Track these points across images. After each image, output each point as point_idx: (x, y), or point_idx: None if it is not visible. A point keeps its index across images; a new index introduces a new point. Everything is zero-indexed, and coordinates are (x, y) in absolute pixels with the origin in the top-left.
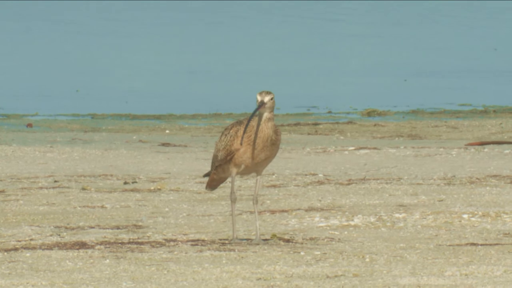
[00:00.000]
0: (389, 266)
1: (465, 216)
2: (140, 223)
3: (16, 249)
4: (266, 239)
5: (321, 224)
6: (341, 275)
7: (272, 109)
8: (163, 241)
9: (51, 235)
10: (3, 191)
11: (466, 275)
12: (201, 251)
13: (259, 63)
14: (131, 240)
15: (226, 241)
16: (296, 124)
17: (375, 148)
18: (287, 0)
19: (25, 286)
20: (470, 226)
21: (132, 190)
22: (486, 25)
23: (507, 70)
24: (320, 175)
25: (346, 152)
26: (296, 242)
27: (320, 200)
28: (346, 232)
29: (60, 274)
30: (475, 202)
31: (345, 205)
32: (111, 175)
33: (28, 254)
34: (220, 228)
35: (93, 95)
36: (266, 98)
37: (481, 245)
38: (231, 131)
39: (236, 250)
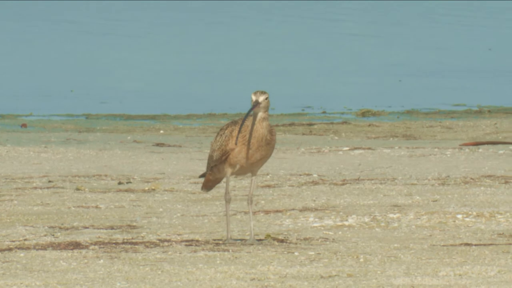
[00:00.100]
0: (383, 266)
1: (459, 216)
2: (134, 223)
3: (10, 249)
4: (260, 240)
5: (315, 224)
6: (335, 275)
7: (266, 108)
8: (157, 241)
9: (45, 235)
10: None
11: (460, 275)
12: (195, 251)
13: (254, 63)
14: (125, 240)
15: (220, 242)
16: (290, 124)
17: (369, 148)
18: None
19: (19, 286)
20: (464, 226)
21: (126, 191)
22: (480, 25)
23: (502, 70)
24: (315, 175)
25: (341, 152)
26: (290, 242)
27: (315, 200)
28: (340, 232)
29: (54, 274)
30: (470, 202)
31: (340, 205)
32: (106, 175)
33: (22, 254)
34: (214, 229)
35: (88, 95)
36: (261, 98)
37: (475, 245)
38: (226, 131)
39: (230, 250)
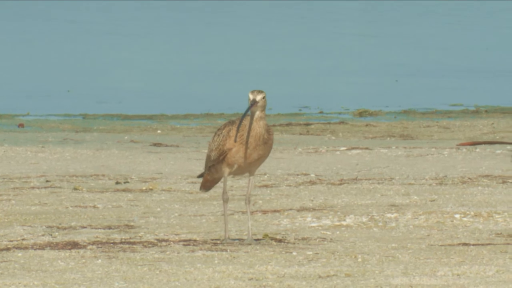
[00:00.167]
0: (381, 266)
1: (457, 216)
2: (132, 223)
3: (8, 249)
4: (258, 239)
5: (313, 224)
6: (333, 275)
7: (264, 108)
8: (155, 241)
9: (43, 235)
10: None
11: (458, 275)
12: (193, 251)
13: (251, 63)
14: (123, 240)
15: (218, 241)
16: (287, 124)
17: (366, 148)
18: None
19: (17, 286)
20: (462, 226)
21: (124, 190)
22: (478, 25)
23: (499, 70)
24: (312, 175)
25: (338, 152)
26: (288, 242)
27: (312, 200)
28: (338, 232)
29: (52, 274)
30: (467, 202)
31: (337, 205)
32: (103, 175)
33: (20, 254)
34: (212, 228)
35: (85, 95)
36: (258, 97)
37: (473, 245)
38: (223, 131)
39: (228, 250)
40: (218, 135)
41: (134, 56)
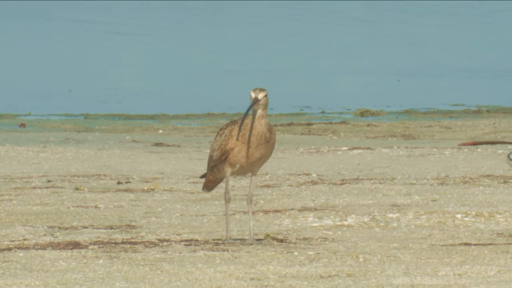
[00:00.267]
0: (383, 266)
1: (459, 216)
2: (133, 223)
3: (9, 249)
4: (259, 239)
5: (314, 224)
6: (335, 275)
7: (265, 106)
8: (157, 241)
9: (44, 235)
10: None
11: (459, 275)
12: (194, 251)
13: (252, 63)
14: (124, 240)
15: (220, 241)
16: (289, 124)
17: (368, 148)
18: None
19: (19, 286)
20: (463, 226)
21: (125, 190)
22: (480, 25)
23: (500, 70)
24: (314, 175)
25: (340, 152)
26: (289, 242)
27: (314, 200)
28: (339, 232)
29: (53, 274)
30: (469, 202)
31: (339, 205)
32: (105, 175)
33: (21, 254)
34: (214, 228)
35: (87, 95)
36: (260, 95)
37: (475, 245)
38: (225, 131)
39: (230, 250)
40: (220, 135)
41: (134, 56)
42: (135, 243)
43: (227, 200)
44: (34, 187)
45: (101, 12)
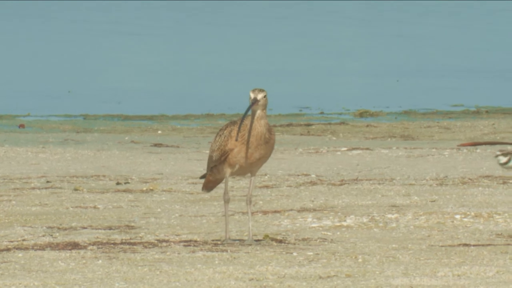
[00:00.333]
0: (382, 266)
1: (458, 216)
2: (132, 224)
3: (8, 250)
4: (258, 240)
5: (313, 225)
6: (334, 275)
7: (265, 106)
8: (156, 241)
9: (43, 236)
10: None
11: (458, 275)
12: (193, 251)
13: (251, 63)
14: (123, 241)
15: (219, 242)
16: (288, 125)
17: (367, 149)
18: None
19: (18, 286)
20: (462, 227)
21: (124, 191)
22: (478, 25)
23: (499, 70)
24: (313, 175)
25: (339, 153)
26: (288, 243)
27: (313, 201)
28: (338, 233)
29: (52, 274)
30: (468, 203)
31: (338, 205)
32: (104, 176)
33: (20, 255)
34: (213, 229)
35: (86, 95)
36: (259, 96)
37: (474, 245)
38: (225, 132)
39: (229, 250)
40: (220, 135)
41: (134, 56)
42: (134, 243)
43: (226, 201)
44: (33, 188)
45: (101, 12)
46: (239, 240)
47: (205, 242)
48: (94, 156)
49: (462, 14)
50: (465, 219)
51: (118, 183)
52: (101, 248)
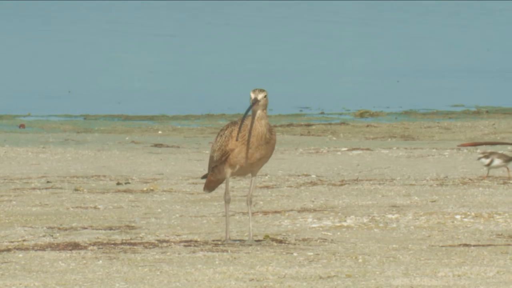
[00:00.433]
0: (382, 266)
1: (458, 217)
2: (133, 224)
3: (8, 250)
4: (259, 240)
5: (314, 225)
6: (334, 275)
7: (265, 107)
8: (156, 242)
9: (44, 236)
10: None
11: (459, 276)
12: (194, 252)
13: (251, 63)
14: (124, 241)
15: (219, 242)
16: (288, 125)
17: (367, 149)
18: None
19: (18, 287)
20: (462, 227)
21: (125, 191)
22: (480, 25)
23: (500, 71)
24: (313, 176)
25: (339, 153)
26: (289, 243)
27: (313, 201)
28: (339, 233)
29: (53, 275)
30: (468, 203)
31: (338, 206)
32: (104, 176)
33: (20, 255)
34: (213, 229)
35: (86, 96)
36: (260, 96)
37: (474, 246)
38: (226, 132)
39: (229, 251)
40: (221, 135)
41: (132, 56)
42: (135, 244)
43: (227, 201)
44: (34, 188)
45: (101, 12)
46: (239, 240)
47: (206, 242)
48: (95, 156)
49: (462, 14)
50: (466, 219)
51: (118, 183)
52: (102, 248)
